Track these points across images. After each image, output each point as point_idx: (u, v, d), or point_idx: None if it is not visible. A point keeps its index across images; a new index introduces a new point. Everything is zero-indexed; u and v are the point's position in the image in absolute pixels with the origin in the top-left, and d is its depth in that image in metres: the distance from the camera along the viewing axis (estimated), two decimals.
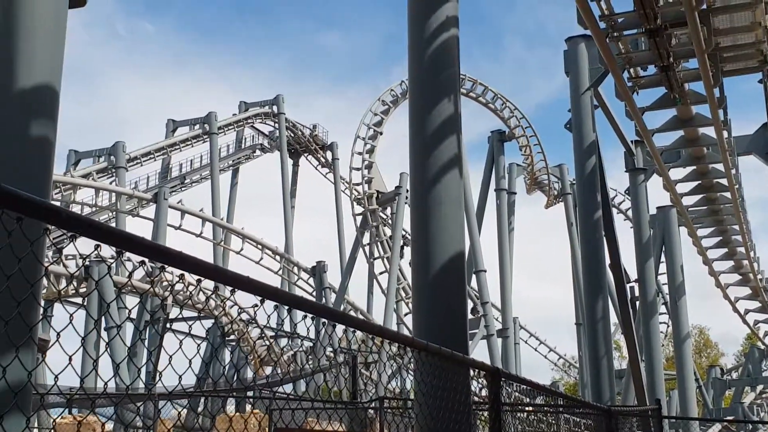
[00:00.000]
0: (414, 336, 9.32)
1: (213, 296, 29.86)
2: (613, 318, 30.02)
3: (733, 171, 20.69)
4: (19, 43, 7.49)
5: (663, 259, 26.98)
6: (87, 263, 27.41)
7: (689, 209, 23.82)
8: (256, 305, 2.96)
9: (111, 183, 43.43)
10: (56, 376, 2.23)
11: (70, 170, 43.34)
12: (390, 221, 41.40)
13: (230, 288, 2.88)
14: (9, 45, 7.52)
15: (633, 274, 27.04)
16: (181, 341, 2.82)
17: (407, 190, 34.62)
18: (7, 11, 7.68)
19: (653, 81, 16.30)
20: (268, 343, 34.60)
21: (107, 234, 2.33)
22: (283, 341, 39.27)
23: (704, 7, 13.26)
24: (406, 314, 40.30)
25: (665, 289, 32.29)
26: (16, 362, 2.57)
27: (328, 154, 56.31)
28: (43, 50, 7.59)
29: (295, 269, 46.87)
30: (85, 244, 2.51)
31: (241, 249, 44.08)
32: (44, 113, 7.48)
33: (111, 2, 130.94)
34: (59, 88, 7.72)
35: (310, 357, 34.91)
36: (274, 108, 53.70)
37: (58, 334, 2.21)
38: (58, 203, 39.97)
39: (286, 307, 3.26)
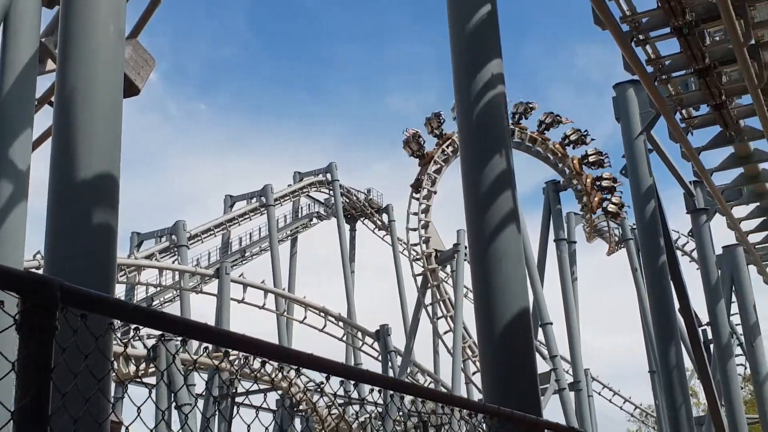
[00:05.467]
0: (484, 397, 9.16)
1: (284, 373, 29.86)
2: (688, 363, 29.23)
3: None
4: (78, 135, 7.72)
5: (734, 299, 26.25)
6: (154, 344, 27.77)
7: (756, 246, 23.21)
8: (323, 383, 2.95)
9: (173, 261, 44.12)
10: None
11: (133, 252, 44.21)
12: (451, 279, 41.16)
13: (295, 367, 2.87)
14: (68, 138, 7.76)
15: (704, 316, 26.34)
16: (257, 417, 2.80)
17: (466, 247, 34.47)
18: (66, 106, 7.94)
19: (707, 120, 16.08)
20: (337, 411, 34.39)
21: (171, 323, 2.35)
22: (354, 408, 39.03)
23: (752, 42, 13.10)
24: (474, 373, 39.76)
25: (739, 329, 31.33)
26: None
27: (384, 217, 56.52)
28: (101, 140, 7.81)
29: (359, 334, 46.74)
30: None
31: (305, 318, 44.18)
32: (105, 202, 7.66)
33: (163, 86, 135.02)
34: (119, 177, 7.92)
35: (380, 423, 34.55)
36: (328, 176, 54.28)
37: (127, 428, 2.21)
38: (122, 285, 40.54)
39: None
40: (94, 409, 2.21)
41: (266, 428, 2.70)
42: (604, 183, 39.83)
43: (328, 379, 2.97)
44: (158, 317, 2.26)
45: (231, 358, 30.46)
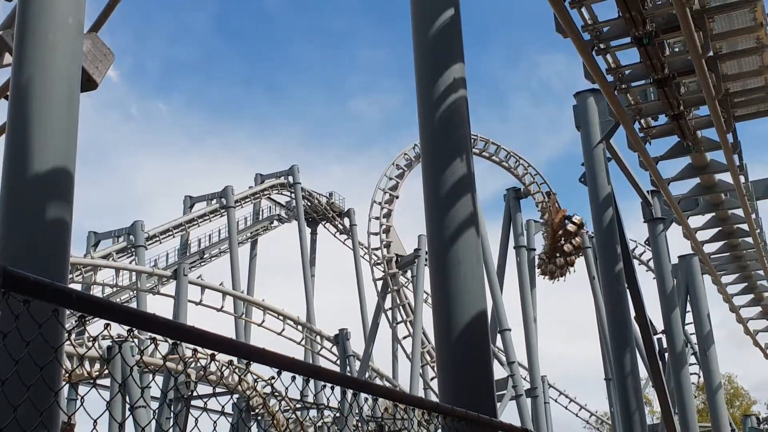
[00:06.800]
0: (440, 400, 9.15)
1: (236, 371, 29.62)
2: (643, 371, 29.57)
3: (753, 216, 20.48)
4: (33, 128, 7.59)
5: (689, 308, 26.59)
6: (109, 344, 27.39)
7: (711, 257, 23.53)
8: (273, 377, 2.91)
9: (131, 262, 43.64)
10: None
11: (89, 252, 43.64)
12: (411, 284, 41.20)
13: (246, 361, 2.82)
14: (23, 130, 7.63)
15: (659, 325, 26.65)
16: (215, 421, 2.75)
17: (426, 252, 34.50)
18: (21, 98, 7.80)
19: (665, 130, 16.27)
20: (294, 415, 34.20)
21: (118, 312, 2.30)
22: (310, 413, 38.87)
23: (711, 54, 13.29)
24: (432, 378, 39.84)
25: (693, 338, 31.77)
26: None
27: (346, 221, 56.48)
28: (57, 134, 7.68)
29: (318, 338, 46.58)
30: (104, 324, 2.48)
31: (263, 321, 43.92)
32: (60, 196, 7.53)
33: (123, 85, 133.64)
34: (74, 171, 7.79)
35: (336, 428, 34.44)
36: (290, 178, 54.10)
37: (68, 418, 2.15)
38: (78, 285, 40.13)
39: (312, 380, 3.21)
40: (36, 398, 2.16)
41: (215, 423, 2.66)
42: (570, 227, 39.86)
43: (279, 374, 2.93)
44: (103, 306, 2.21)
45: (187, 359, 30.14)
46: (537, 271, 40.18)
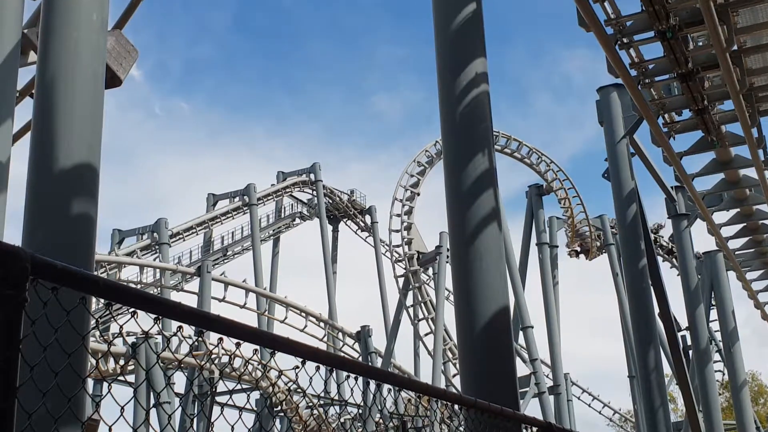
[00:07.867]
0: (462, 393, 9.15)
1: (259, 365, 29.76)
2: (667, 369, 29.38)
3: None
4: (59, 125, 7.67)
5: (713, 305, 26.39)
6: (134, 340, 27.63)
7: (736, 253, 23.32)
8: (298, 366, 2.93)
9: (155, 259, 43.93)
10: None
11: (114, 249, 43.99)
12: (432, 281, 41.17)
13: (269, 352, 2.84)
14: (48, 127, 7.71)
15: (683, 322, 26.46)
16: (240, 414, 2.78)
17: (448, 249, 34.45)
18: (46, 94, 7.88)
19: (689, 125, 16.13)
20: (317, 412, 34.31)
21: (143, 300, 2.32)
22: (333, 410, 38.99)
23: (735, 48, 13.17)
24: (454, 375, 39.74)
25: (717, 335, 31.52)
26: None
27: (367, 218, 56.55)
28: (82, 131, 7.76)
29: (340, 335, 46.70)
30: (131, 325, 2.51)
31: (285, 318, 44.09)
32: (85, 191, 7.61)
33: (146, 84, 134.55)
34: (98, 167, 7.87)
35: (359, 424, 34.53)
36: (311, 176, 54.24)
37: (93, 411, 2.18)
38: None
39: (334, 374, 3.22)
40: (64, 383, 2.19)
41: (240, 410, 2.68)
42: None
43: (303, 363, 2.95)
44: (129, 293, 2.24)
45: (222, 359, 30.30)
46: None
